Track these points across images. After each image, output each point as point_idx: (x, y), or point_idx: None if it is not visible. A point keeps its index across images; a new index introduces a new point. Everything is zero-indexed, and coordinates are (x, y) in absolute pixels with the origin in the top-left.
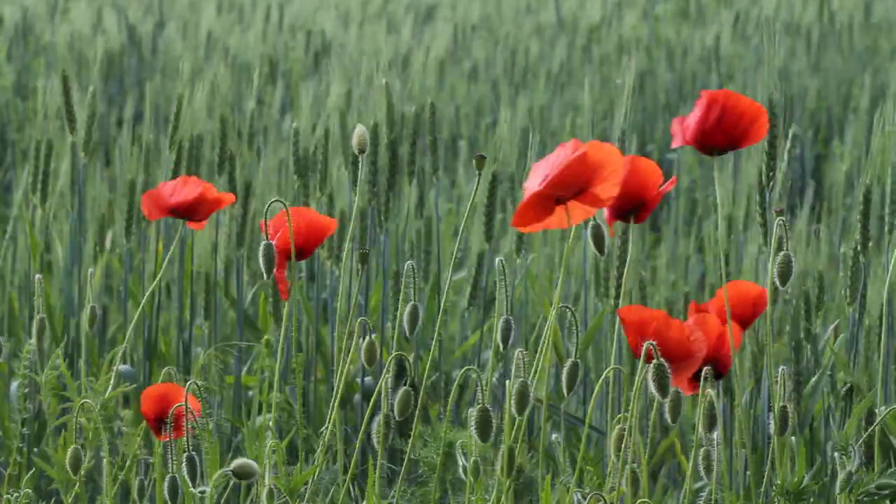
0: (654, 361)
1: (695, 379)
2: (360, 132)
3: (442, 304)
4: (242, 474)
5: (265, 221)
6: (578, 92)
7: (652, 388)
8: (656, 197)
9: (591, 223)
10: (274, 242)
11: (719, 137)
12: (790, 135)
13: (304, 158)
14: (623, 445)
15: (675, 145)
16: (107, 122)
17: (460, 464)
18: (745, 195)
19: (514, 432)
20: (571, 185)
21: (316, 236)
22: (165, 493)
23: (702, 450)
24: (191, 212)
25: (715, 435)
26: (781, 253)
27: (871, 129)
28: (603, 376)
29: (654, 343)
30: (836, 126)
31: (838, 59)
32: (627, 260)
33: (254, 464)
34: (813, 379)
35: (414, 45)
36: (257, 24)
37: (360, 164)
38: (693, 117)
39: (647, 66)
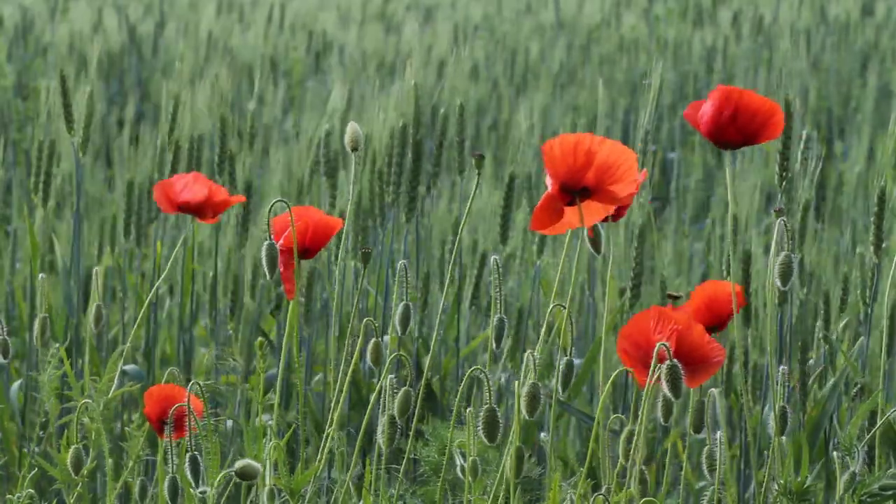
0: (667, 362)
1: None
2: (352, 129)
3: (441, 304)
4: (245, 475)
5: (268, 221)
6: (579, 92)
7: (664, 388)
8: (628, 195)
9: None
10: (279, 243)
11: (734, 134)
12: (804, 136)
13: (333, 160)
14: (633, 446)
15: (686, 114)
16: (107, 122)
17: (458, 464)
18: (750, 195)
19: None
20: (578, 183)
21: (322, 236)
22: (166, 493)
23: (705, 449)
24: (199, 211)
25: (718, 435)
26: (782, 253)
27: (875, 129)
28: (612, 378)
29: (667, 344)
30: (836, 126)
31: (838, 58)
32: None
33: (256, 464)
34: (830, 381)
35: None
36: (258, 24)
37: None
38: (707, 110)
39: (647, 66)
